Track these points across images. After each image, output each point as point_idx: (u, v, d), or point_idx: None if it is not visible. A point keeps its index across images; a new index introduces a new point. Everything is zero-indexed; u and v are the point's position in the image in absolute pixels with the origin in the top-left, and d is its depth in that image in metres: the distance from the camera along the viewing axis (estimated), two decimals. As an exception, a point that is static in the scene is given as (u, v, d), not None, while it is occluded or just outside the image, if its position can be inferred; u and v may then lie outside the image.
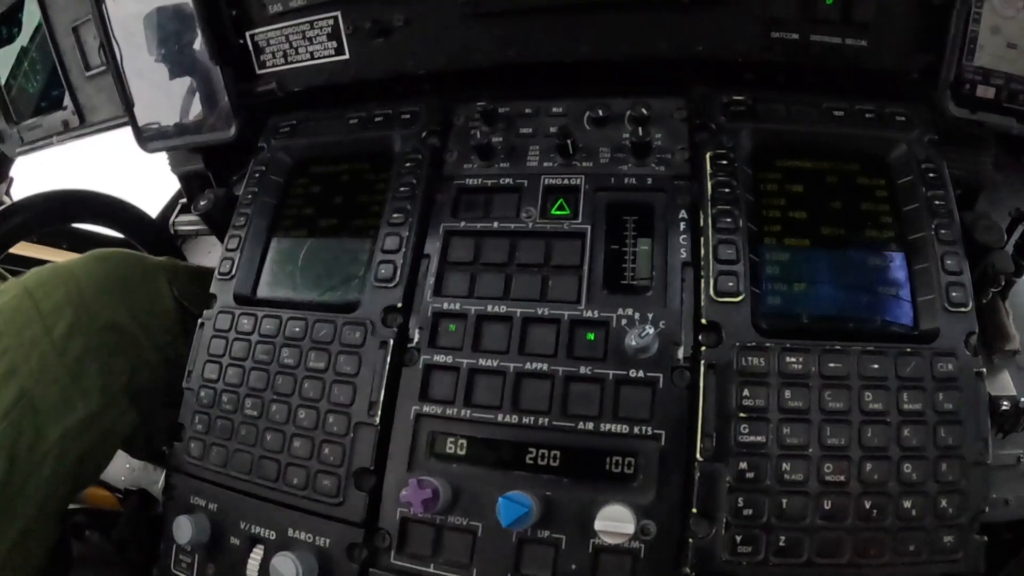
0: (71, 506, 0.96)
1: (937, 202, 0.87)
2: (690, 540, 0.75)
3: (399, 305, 0.90)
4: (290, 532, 0.87)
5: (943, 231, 0.85)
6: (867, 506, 0.74)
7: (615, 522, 0.72)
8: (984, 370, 0.80)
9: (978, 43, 0.90)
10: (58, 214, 1.30)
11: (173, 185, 1.76)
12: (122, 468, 1.29)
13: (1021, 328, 0.97)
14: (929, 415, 0.76)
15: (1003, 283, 0.92)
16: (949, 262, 0.83)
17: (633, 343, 0.78)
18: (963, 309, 0.81)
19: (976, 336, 0.80)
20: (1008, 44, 0.90)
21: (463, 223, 0.94)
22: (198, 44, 1.11)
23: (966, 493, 0.75)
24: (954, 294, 0.82)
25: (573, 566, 0.77)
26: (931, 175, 0.88)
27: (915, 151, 0.90)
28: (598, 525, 0.73)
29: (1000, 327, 0.96)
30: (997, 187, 1.01)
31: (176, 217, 1.52)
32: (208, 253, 1.63)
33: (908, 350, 0.78)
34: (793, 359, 0.78)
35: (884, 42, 0.92)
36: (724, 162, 0.89)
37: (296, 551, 0.83)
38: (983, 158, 0.95)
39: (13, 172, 1.60)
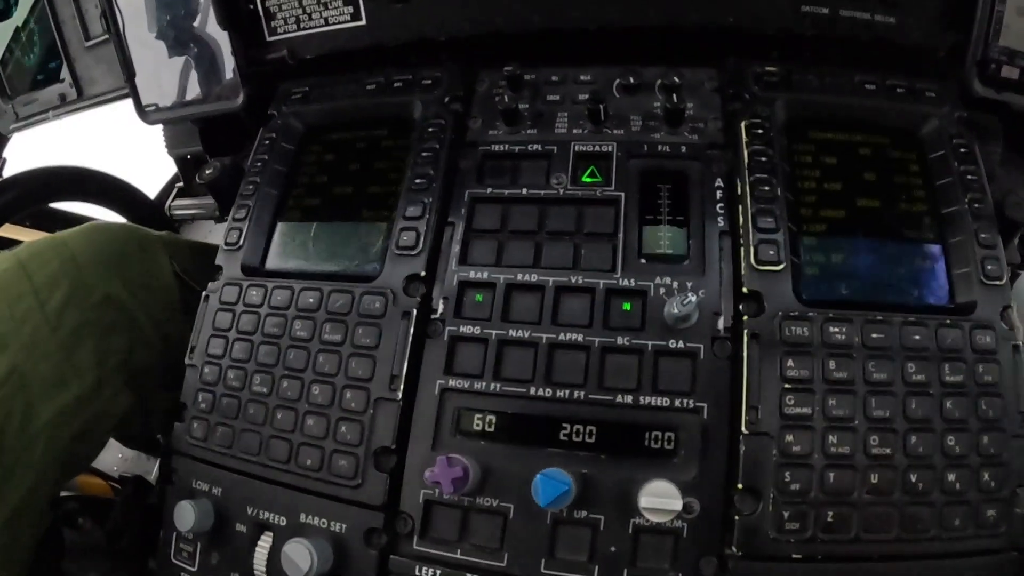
0: (63, 493, 0.90)
1: (970, 176, 0.86)
2: (736, 517, 0.71)
3: (422, 274, 0.86)
4: (302, 517, 0.81)
5: (977, 205, 0.84)
6: (913, 479, 0.71)
7: (662, 498, 0.68)
8: (1021, 343, 0.79)
9: (1004, 23, 0.90)
10: (52, 190, 1.25)
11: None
12: (115, 458, 1.22)
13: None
14: (970, 387, 0.75)
15: (1008, 275, 0.92)
16: (984, 235, 0.82)
17: (675, 311, 0.75)
18: (998, 282, 0.80)
19: (1011, 309, 0.79)
20: (1032, 26, 0.91)
21: (489, 189, 0.90)
22: (203, 14, 1.07)
23: (1007, 466, 0.73)
24: (989, 267, 0.81)
25: (612, 548, 0.73)
26: (963, 150, 0.88)
27: (946, 126, 0.89)
28: (643, 502, 0.69)
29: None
30: (1000, 182, 1.01)
31: (173, 201, 1.47)
32: (204, 238, 1.58)
33: (947, 322, 0.77)
34: (836, 329, 0.76)
35: (913, 19, 0.92)
36: (760, 131, 0.87)
37: (309, 537, 0.78)
38: (992, 148, 0.95)
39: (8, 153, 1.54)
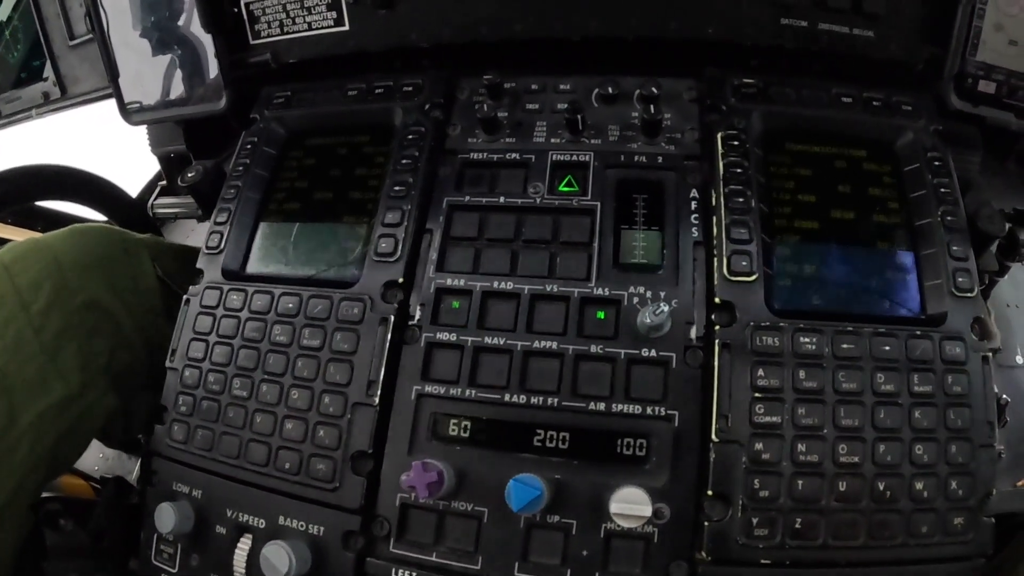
0: (44, 494, 0.90)
1: (943, 189, 0.87)
2: (705, 523, 0.73)
3: (400, 280, 0.87)
4: (281, 520, 0.82)
5: (949, 218, 0.85)
6: (881, 487, 0.73)
7: (632, 504, 0.70)
8: (990, 354, 0.80)
9: (981, 39, 0.91)
10: (34, 189, 1.24)
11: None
12: (96, 458, 1.22)
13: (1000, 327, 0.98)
14: (939, 397, 0.76)
15: (986, 282, 0.93)
16: (955, 248, 0.84)
17: (647, 320, 0.76)
18: (969, 294, 0.82)
19: (988, 317, 0.80)
20: (1009, 41, 0.92)
21: (467, 197, 0.91)
22: (187, 15, 1.07)
23: (975, 475, 0.75)
24: (960, 279, 0.82)
25: (584, 552, 0.74)
26: (937, 163, 0.89)
27: (921, 139, 0.90)
28: (614, 508, 0.71)
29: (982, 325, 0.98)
30: (980, 190, 1.02)
31: (155, 199, 1.46)
32: (187, 238, 1.57)
33: (918, 333, 0.78)
34: (807, 339, 0.77)
35: (891, 33, 0.93)
36: (736, 143, 0.88)
37: (288, 540, 0.79)
38: (972, 158, 0.96)
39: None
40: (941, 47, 0.91)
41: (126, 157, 1.60)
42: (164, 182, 1.45)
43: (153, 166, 1.56)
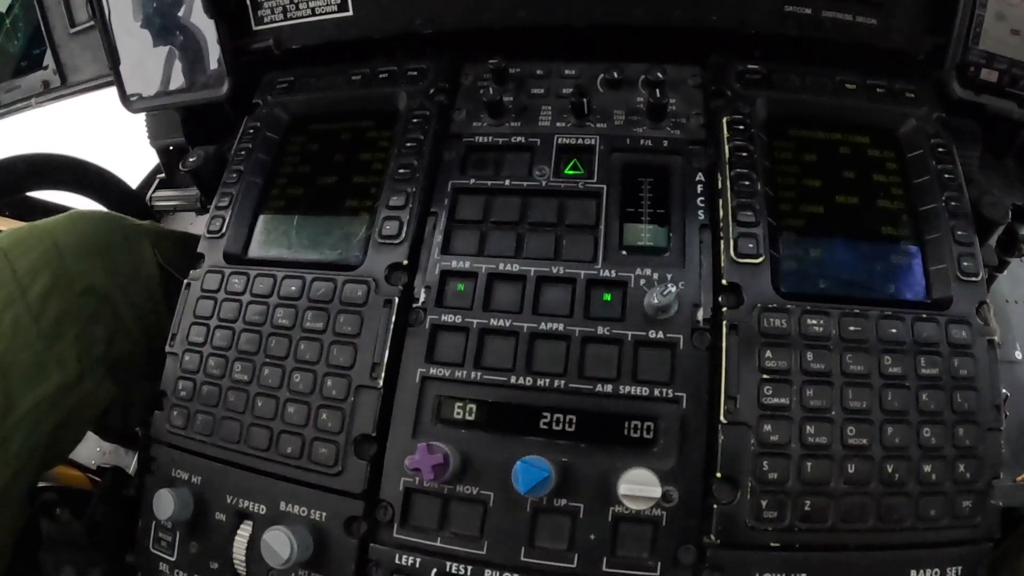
0: (40, 484, 0.89)
1: (947, 175, 0.87)
2: (714, 506, 0.72)
3: (404, 263, 0.86)
4: (282, 506, 0.81)
5: (953, 203, 0.85)
6: (889, 470, 0.72)
7: (641, 486, 0.69)
8: (996, 338, 0.80)
9: (983, 28, 0.91)
10: (32, 179, 1.23)
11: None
12: (92, 451, 1.20)
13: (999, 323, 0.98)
14: (946, 380, 0.76)
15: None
16: (960, 233, 0.83)
17: (655, 301, 0.76)
18: (974, 279, 0.81)
19: (987, 305, 0.80)
20: (1012, 30, 0.92)
21: (472, 180, 0.91)
22: (188, 3, 1.07)
23: (982, 458, 0.75)
24: (965, 264, 0.82)
25: (592, 536, 0.73)
26: (940, 150, 0.89)
27: (925, 126, 0.90)
28: (622, 490, 0.70)
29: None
30: (978, 185, 1.02)
31: (154, 192, 1.45)
32: (186, 229, 1.56)
33: (924, 316, 0.78)
34: (814, 321, 0.77)
35: (894, 22, 0.93)
36: (741, 127, 0.88)
37: (289, 526, 0.77)
38: (971, 152, 0.96)
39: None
40: (943, 36, 0.91)
41: (125, 151, 1.59)
42: (163, 175, 1.45)
43: (152, 159, 1.56)
